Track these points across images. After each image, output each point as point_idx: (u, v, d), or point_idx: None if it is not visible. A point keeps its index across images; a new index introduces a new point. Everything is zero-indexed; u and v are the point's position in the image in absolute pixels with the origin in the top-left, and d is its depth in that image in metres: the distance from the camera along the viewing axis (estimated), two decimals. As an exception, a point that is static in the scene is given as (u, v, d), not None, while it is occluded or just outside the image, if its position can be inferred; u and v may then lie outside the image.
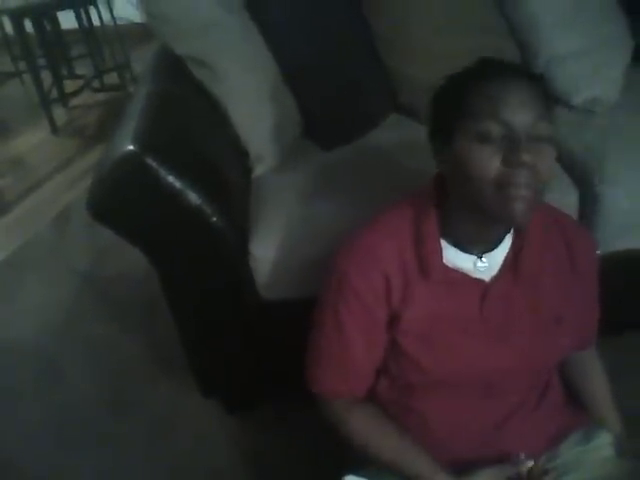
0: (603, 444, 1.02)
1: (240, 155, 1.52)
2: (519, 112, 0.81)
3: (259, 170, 1.54)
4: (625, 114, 1.60)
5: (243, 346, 1.48)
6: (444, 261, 0.93)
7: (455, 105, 0.86)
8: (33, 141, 3.53)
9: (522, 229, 0.93)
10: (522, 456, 0.96)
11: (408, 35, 1.69)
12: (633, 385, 1.41)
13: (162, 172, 1.15)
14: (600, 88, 1.67)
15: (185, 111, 1.44)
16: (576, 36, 1.69)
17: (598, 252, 1.10)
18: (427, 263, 0.93)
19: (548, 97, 0.87)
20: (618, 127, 1.56)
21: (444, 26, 1.68)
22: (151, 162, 1.15)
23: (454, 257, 0.94)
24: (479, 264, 0.94)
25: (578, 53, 1.68)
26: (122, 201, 1.19)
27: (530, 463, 0.95)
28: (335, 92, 1.60)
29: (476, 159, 0.82)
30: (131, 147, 1.15)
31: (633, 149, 1.48)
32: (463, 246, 0.94)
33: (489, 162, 0.81)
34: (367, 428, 1.02)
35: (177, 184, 1.17)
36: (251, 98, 1.50)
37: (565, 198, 1.40)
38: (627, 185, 1.43)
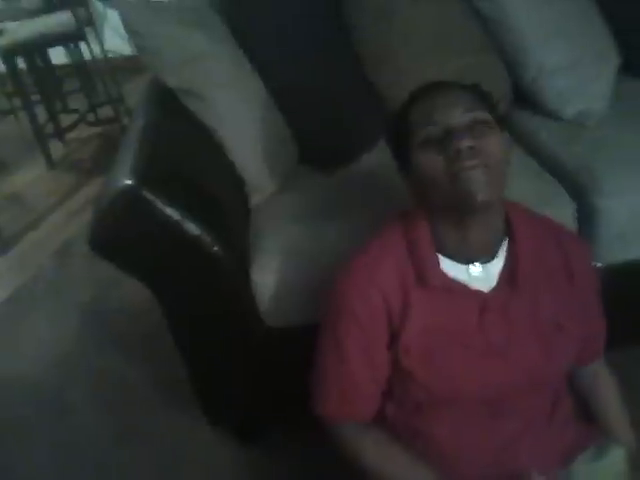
0: (617, 460, 1.01)
1: (238, 183, 1.52)
2: (449, 109, 0.88)
3: (257, 197, 1.54)
4: (615, 126, 1.61)
5: (249, 373, 1.48)
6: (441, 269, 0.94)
7: (403, 133, 0.93)
8: (30, 177, 3.54)
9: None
10: (534, 474, 0.95)
11: (395, 58, 1.70)
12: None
13: (160, 204, 1.16)
14: (589, 101, 1.68)
15: (181, 142, 1.44)
16: (564, 50, 1.70)
17: (599, 264, 1.11)
18: (424, 270, 0.94)
19: (485, 99, 0.94)
20: (609, 139, 1.57)
21: (432, 47, 1.70)
22: (148, 195, 1.15)
23: (449, 268, 0.94)
24: (472, 269, 0.94)
25: (566, 67, 1.69)
26: (122, 235, 1.19)
27: (542, 481, 0.94)
28: (328, 117, 1.61)
29: (425, 162, 0.89)
30: (128, 181, 1.16)
31: (626, 160, 1.49)
32: (456, 257, 0.94)
33: (435, 160, 0.87)
34: (375, 453, 1.01)
35: (175, 215, 1.17)
36: (244, 127, 1.51)
37: (562, 212, 1.41)
38: (622, 196, 1.43)
